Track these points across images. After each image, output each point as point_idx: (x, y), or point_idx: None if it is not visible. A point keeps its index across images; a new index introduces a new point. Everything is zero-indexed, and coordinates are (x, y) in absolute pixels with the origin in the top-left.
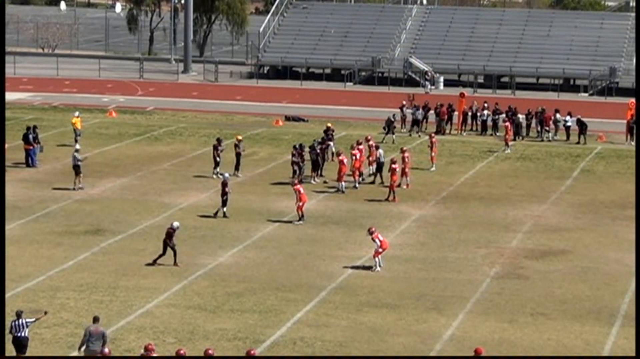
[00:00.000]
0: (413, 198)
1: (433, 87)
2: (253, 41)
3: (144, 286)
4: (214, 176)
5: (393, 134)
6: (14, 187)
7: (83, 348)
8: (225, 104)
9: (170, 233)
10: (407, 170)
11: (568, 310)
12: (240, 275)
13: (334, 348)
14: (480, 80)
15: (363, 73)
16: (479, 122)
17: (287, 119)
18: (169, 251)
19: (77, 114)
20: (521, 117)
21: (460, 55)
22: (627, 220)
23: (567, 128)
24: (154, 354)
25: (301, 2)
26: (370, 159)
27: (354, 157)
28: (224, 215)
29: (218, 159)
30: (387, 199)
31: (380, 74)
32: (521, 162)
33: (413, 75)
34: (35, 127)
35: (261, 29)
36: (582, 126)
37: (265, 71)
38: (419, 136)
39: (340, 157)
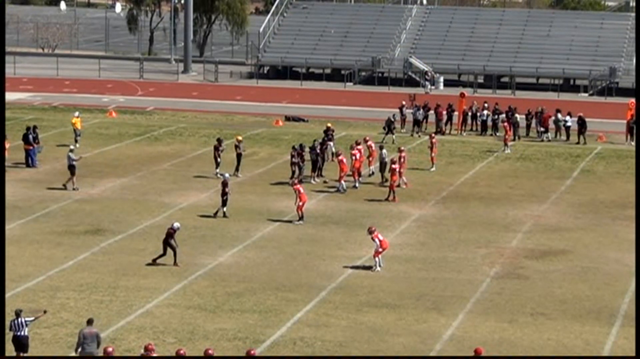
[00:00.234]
0: (413, 198)
1: (433, 87)
2: (253, 41)
3: (144, 286)
4: (218, 176)
5: (393, 134)
6: (14, 187)
7: (79, 350)
8: (225, 104)
9: (170, 234)
10: (402, 170)
11: (568, 310)
12: (240, 275)
13: (334, 348)
14: (480, 80)
15: (363, 73)
16: (478, 122)
17: (287, 119)
18: (169, 251)
19: (77, 114)
20: (519, 117)
21: (460, 55)
22: (627, 220)
23: (567, 128)
24: (154, 354)
25: (301, 2)
26: (370, 159)
27: (353, 157)
28: (224, 215)
29: (219, 159)
30: (387, 199)
31: (380, 74)
32: (521, 162)
33: (413, 76)
34: (35, 127)
35: (261, 29)
36: (582, 125)
37: (265, 71)
38: (419, 136)
39: (340, 157)
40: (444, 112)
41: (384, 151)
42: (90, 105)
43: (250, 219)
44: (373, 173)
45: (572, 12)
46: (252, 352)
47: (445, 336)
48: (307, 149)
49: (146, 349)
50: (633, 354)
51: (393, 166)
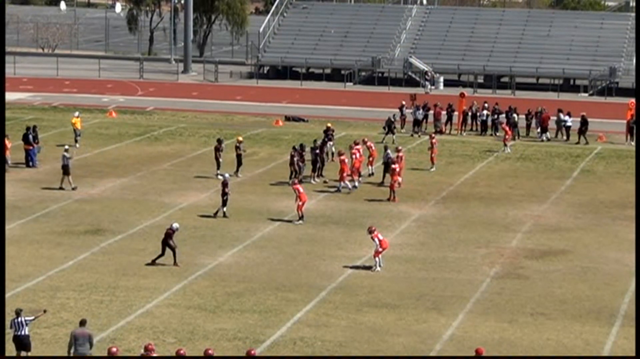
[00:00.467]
0: (413, 198)
1: (433, 87)
2: (253, 41)
3: (144, 286)
4: (218, 177)
5: (393, 134)
6: (14, 187)
7: (72, 351)
8: (225, 104)
9: (169, 234)
10: (398, 170)
11: (568, 310)
12: (240, 275)
13: (334, 348)
14: (480, 80)
15: (363, 73)
16: (478, 122)
17: (287, 119)
18: (168, 251)
19: (77, 114)
20: (517, 117)
21: (460, 55)
22: (627, 220)
23: (567, 128)
24: (154, 354)
25: (301, 2)
26: (371, 159)
27: (353, 157)
28: (224, 215)
29: (220, 160)
30: (387, 199)
31: (380, 74)
32: (521, 162)
33: (413, 76)
34: (35, 127)
35: (261, 29)
36: (582, 125)
37: (265, 71)
38: (419, 136)
39: (342, 157)
40: (443, 112)
41: (389, 151)
42: (90, 105)
43: (250, 219)
44: (373, 173)
45: (572, 12)
46: (252, 352)
47: (445, 336)
48: (307, 149)
49: (146, 349)
50: (633, 354)
51: (393, 166)
